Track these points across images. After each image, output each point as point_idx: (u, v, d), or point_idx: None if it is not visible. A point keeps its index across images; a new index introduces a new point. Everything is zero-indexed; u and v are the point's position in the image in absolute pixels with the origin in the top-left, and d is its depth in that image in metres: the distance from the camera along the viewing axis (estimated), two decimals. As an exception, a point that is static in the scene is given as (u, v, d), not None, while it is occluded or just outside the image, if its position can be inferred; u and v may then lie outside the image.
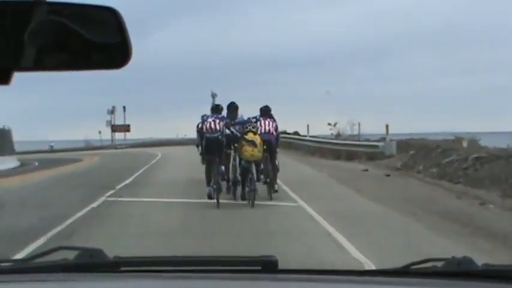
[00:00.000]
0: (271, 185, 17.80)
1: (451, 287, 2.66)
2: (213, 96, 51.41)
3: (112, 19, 1.80)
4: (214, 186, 16.52)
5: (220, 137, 17.19)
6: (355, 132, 39.86)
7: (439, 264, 2.77)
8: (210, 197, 16.66)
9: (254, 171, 16.87)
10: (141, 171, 29.05)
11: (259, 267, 2.82)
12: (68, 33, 1.75)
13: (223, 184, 17.52)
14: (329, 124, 40.25)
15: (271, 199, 17.42)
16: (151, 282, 2.79)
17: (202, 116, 19.62)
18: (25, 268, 2.89)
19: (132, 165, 32.77)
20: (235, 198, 17.26)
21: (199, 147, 19.69)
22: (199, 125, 19.76)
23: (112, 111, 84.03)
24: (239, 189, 17.40)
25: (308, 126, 42.01)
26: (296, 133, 47.35)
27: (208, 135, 17.31)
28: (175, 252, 5.22)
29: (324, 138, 39.57)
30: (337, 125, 40.26)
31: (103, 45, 1.79)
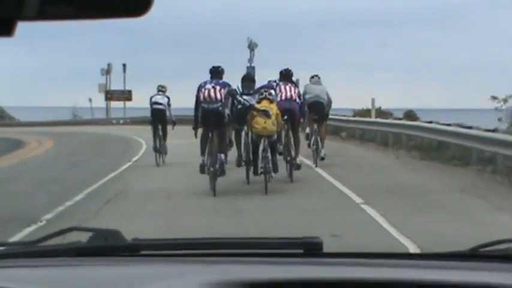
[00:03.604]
0: (292, 163, 15.87)
1: None
2: (252, 47, 41.18)
3: None
4: (212, 168, 14.28)
5: (220, 108, 14.47)
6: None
7: None
8: (202, 169, 14.59)
9: (268, 148, 14.63)
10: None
11: (301, 250, 2.55)
12: None
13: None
14: (494, 98, 23.61)
15: (291, 181, 15.49)
16: (175, 267, 2.52)
17: (158, 88, 20.40)
18: (34, 252, 2.67)
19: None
20: (248, 182, 15.36)
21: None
22: (152, 98, 20.30)
23: (107, 71, 63.90)
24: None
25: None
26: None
27: (205, 105, 14.48)
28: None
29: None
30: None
31: None
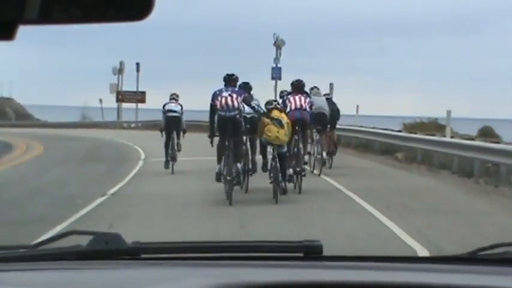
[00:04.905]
0: (301, 174, 15.39)
1: None
2: (278, 44, 37.03)
3: None
4: (228, 177, 14.00)
5: (238, 116, 14.36)
6: None
7: (511, 249, 2.44)
8: (218, 177, 14.17)
9: (277, 158, 14.35)
10: None
11: (302, 254, 2.53)
12: None
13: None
14: None
15: (300, 192, 15.07)
16: (175, 271, 2.49)
17: (171, 96, 20.66)
18: (34, 255, 2.62)
19: None
20: (246, 191, 15.17)
21: (163, 132, 20.17)
22: (165, 106, 20.34)
23: (119, 71, 58.38)
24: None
25: None
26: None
27: (222, 113, 14.29)
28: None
29: None
30: None
31: None
